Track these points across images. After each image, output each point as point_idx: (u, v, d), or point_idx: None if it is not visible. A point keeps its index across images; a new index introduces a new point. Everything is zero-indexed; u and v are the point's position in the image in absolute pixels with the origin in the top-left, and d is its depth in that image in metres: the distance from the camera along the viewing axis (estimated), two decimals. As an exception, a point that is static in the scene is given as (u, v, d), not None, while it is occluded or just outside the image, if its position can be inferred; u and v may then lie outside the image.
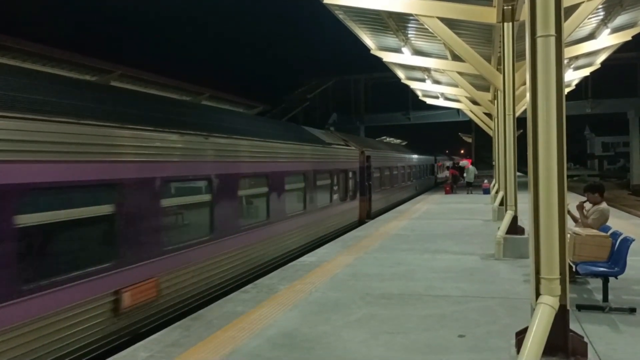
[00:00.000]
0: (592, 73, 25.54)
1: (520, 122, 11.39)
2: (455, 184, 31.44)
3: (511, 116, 11.88)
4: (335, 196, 15.15)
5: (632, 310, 6.20)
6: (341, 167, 15.94)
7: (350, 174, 17.08)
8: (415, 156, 32.87)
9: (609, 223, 7.67)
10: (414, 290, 7.62)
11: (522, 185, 10.87)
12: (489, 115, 27.75)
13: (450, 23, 12.55)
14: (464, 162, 34.77)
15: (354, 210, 17.38)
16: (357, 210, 17.77)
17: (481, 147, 73.85)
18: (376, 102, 61.74)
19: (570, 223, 5.67)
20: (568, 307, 4.67)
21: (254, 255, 9.86)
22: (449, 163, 50.77)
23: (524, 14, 4.97)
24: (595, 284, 7.18)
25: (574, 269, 6.81)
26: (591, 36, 17.27)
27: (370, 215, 18.94)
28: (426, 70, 22.42)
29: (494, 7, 11.50)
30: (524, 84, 12.62)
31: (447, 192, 29.64)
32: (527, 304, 5.21)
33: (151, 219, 6.92)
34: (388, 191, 23.30)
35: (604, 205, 7.68)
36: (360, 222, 17.39)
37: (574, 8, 11.57)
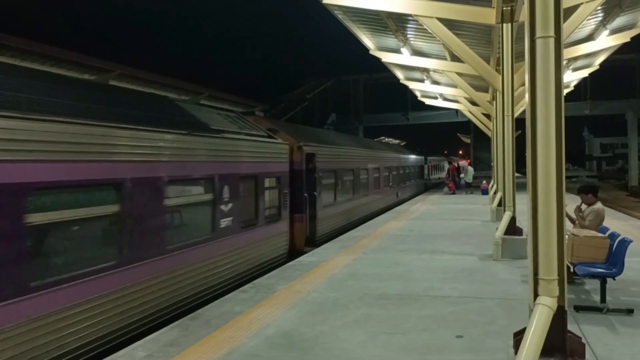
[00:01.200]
0: (591, 74, 25.59)
1: (519, 123, 11.42)
2: (454, 181, 31.58)
3: (510, 117, 11.88)
4: (226, 220, 9.09)
5: (630, 311, 6.22)
6: (248, 170, 10.07)
7: (268, 182, 11.20)
8: (396, 155, 27.44)
9: (607, 224, 7.69)
10: (412, 291, 7.62)
11: (520, 186, 10.89)
12: (487, 116, 27.76)
13: (449, 24, 12.56)
14: (462, 163, 34.86)
15: (277, 239, 11.44)
16: (285, 238, 11.95)
17: (480, 148, 73.96)
18: (375, 102, 61.76)
19: (568, 224, 5.67)
20: (566, 308, 4.68)
21: None
22: (445, 164, 49.80)
23: (524, 15, 4.97)
24: (593, 285, 7.20)
25: (572, 270, 6.82)
26: (590, 37, 17.31)
27: (314, 240, 13.52)
28: (425, 70, 22.45)
29: (493, 8, 11.51)
30: (523, 84, 12.64)
31: (451, 189, 30.07)
32: (525, 304, 5.21)
33: None
34: (348, 203, 17.46)
35: (598, 205, 7.70)
36: (296, 254, 11.90)
37: (573, 9, 11.58)
